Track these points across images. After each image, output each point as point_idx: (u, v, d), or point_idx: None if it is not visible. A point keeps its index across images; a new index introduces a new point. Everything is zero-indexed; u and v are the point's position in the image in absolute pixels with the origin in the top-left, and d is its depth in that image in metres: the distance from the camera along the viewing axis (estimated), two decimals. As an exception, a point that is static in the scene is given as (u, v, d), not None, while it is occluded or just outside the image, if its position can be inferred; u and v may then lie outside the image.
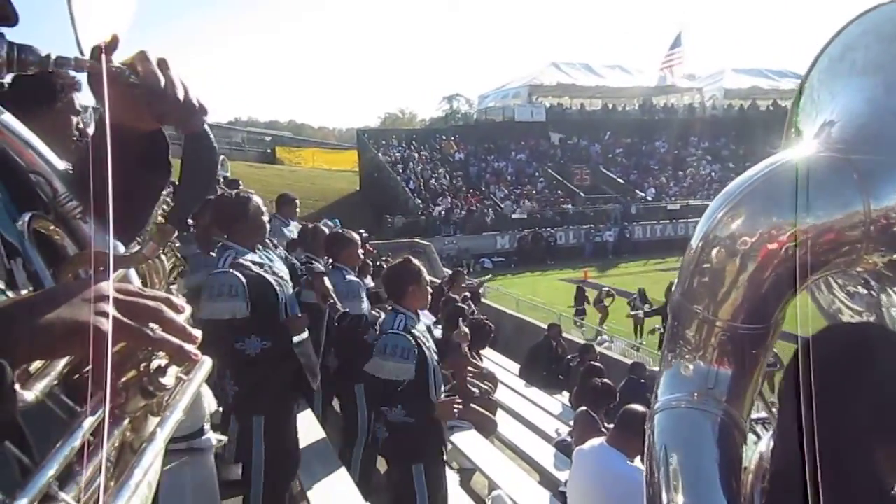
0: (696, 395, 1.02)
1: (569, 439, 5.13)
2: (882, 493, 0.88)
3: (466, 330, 4.42)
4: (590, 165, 33.29)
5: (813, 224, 0.94)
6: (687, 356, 1.05)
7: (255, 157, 36.65)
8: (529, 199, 29.55)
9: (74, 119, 1.93)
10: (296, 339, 3.19)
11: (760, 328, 1.00)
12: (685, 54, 38.92)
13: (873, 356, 0.93)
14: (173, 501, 2.98)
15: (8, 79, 1.56)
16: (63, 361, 0.59)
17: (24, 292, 0.69)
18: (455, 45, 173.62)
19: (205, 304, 2.95)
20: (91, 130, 0.95)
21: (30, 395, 0.54)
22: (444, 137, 34.45)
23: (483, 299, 13.56)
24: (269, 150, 38.96)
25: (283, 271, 3.34)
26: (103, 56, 0.69)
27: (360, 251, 4.77)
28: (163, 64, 0.75)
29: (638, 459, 2.96)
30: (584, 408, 4.78)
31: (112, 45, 0.70)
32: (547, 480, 4.97)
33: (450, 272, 10.72)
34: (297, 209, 6.63)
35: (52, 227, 0.78)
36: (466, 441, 5.02)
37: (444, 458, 3.59)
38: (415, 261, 3.50)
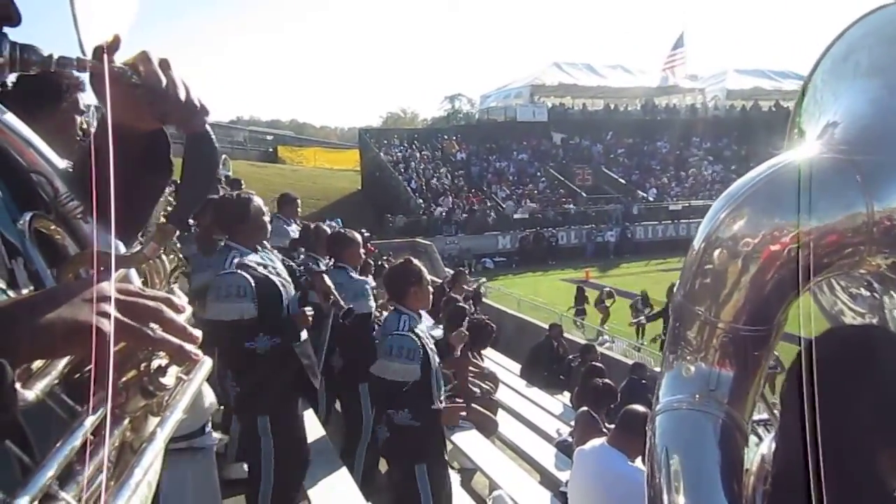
0: (697, 396, 1.02)
1: (570, 439, 5.13)
2: (884, 494, 0.88)
3: (465, 332, 4.43)
4: (591, 165, 33.26)
5: (815, 226, 0.93)
6: (688, 357, 1.05)
7: (256, 156, 36.73)
8: (531, 200, 29.51)
9: (78, 119, 1.94)
10: (296, 339, 3.19)
11: (762, 330, 1.00)
12: (687, 54, 38.97)
13: (875, 358, 0.93)
14: (174, 500, 2.98)
15: (13, 78, 1.57)
16: (64, 361, 0.59)
17: (25, 292, 0.69)
18: (457, 44, 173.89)
19: (212, 304, 2.95)
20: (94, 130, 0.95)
21: (30, 394, 0.54)
22: (445, 137, 34.47)
23: (484, 299, 13.57)
24: (270, 150, 39.08)
25: (284, 272, 3.34)
26: (105, 56, 0.69)
27: (362, 251, 4.77)
28: (164, 64, 0.76)
29: (639, 460, 2.95)
30: (585, 408, 4.79)
31: (114, 45, 0.70)
32: (548, 480, 4.97)
33: (452, 272, 10.72)
34: (299, 209, 6.62)
35: (53, 227, 0.78)
36: (467, 441, 5.02)
37: (446, 457, 3.59)
38: (416, 261, 3.50)
